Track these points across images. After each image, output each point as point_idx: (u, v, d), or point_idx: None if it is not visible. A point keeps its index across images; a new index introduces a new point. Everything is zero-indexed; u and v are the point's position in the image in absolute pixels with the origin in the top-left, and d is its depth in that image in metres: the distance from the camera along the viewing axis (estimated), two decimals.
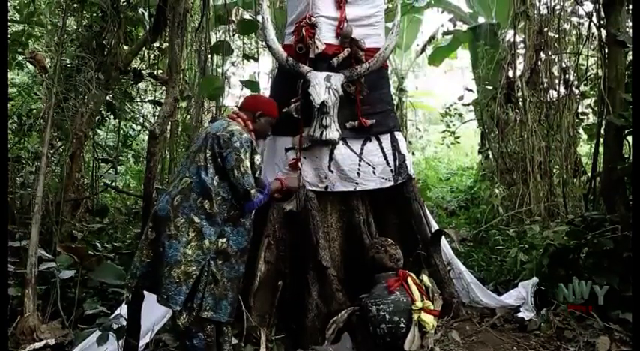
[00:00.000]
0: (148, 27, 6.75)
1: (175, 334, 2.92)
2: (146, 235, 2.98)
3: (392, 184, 4.23)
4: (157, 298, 2.87)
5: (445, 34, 10.68)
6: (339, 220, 4.18)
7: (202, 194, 2.88)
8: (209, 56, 7.08)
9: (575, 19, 6.93)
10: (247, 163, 2.89)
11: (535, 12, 6.79)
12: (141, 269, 2.94)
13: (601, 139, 5.69)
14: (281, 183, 3.39)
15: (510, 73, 7.09)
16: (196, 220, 2.84)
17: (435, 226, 4.46)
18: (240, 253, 2.96)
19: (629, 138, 4.31)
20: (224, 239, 2.88)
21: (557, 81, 6.74)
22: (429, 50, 11.57)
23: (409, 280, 3.60)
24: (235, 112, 3.21)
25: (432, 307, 3.54)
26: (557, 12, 6.65)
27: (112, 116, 7.20)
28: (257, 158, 2.97)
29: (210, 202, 2.86)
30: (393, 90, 8.73)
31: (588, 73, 6.69)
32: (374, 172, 4.17)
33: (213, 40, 7.16)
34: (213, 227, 2.86)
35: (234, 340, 3.22)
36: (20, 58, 6.21)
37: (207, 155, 2.92)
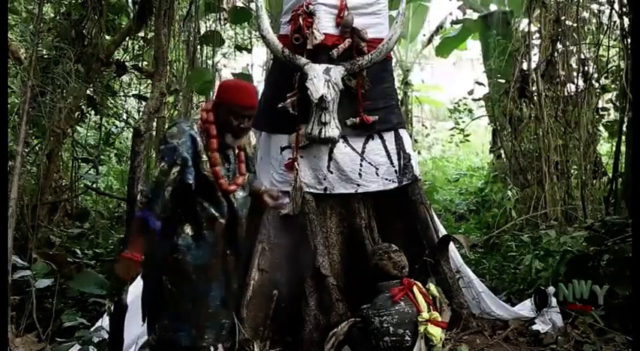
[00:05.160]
0: (131, 15, 6.75)
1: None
2: None
3: (396, 185, 4.24)
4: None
5: (454, 23, 10.70)
6: (339, 225, 4.19)
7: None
8: (198, 47, 7.08)
9: (595, 7, 6.95)
10: (157, 172, 2.68)
11: None
12: None
13: (623, 137, 5.72)
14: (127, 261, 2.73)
15: (524, 66, 7.09)
16: (149, 234, 2.70)
17: (442, 231, 4.47)
18: (202, 271, 2.78)
19: None
20: (180, 255, 2.74)
21: (575, 74, 6.75)
22: (437, 41, 11.58)
23: (415, 289, 3.61)
24: (207, 102, 3.07)
25: (439, 319, 3.54)
26: None
27: (92, 112, 7.18)
28: (175, 170, 2.66)
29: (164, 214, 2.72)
30: (397, 84, 8.74)
31: (609, 66, 6.70)
32: (377, 173, 4.18)
33: (202, 30, 7.16)
34: (165, 241, 2.75)
35: None
36: None
37: None
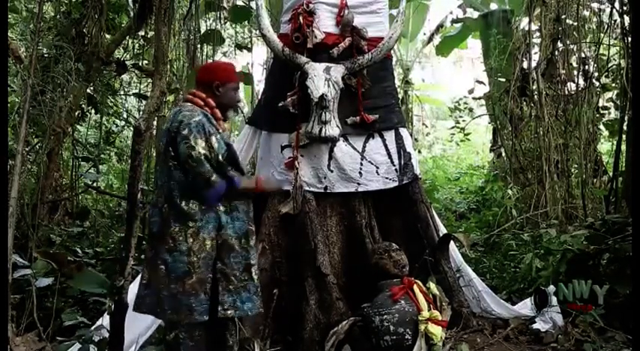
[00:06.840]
0: (132, 14, 6.75)
1: (165, 346, 2.92)
2: (146, 255, 2.99)
3: (396, 184, 4.24)
4: (168, 316, 2.83)
5: (454, 21, 10.68)
6: (339, 224, 4.19)
7: (187, 195, 2.85)
8: (198, 46, 7.08)
9: (595, 5, 6.95)
10: (200, 148, 2.78)
11: None
12: (141, 292, 2.93)
13: (624, 136, 5.71)
14: (256, 182, 3.16)
15: (525, 65, 7.10)
16: (190, 224, 2.82)
17: (442, 230, 4.47)
18: (244, 239, 2.95)
19: None
20: (223, 231, 2.88)
21: (575, 73, 6.75)
22: (437, 40, 11.56)
23: (415, 288, 3.61)
24: (191, 93, 3.07)
25: (439, 318, 3.54)
26: None
27: (93, 111, 7.19)
28: (214, 140, 2.83)
29: (197, 200, 2.84)
30: (397, 83, 8.73)
31: (610, 64, 6.70)
32: (377, 172, 4.18)
33: (202, 29, 7.15)
34: (209, 224, 2.85)
35: None
36: None
37: (171, 153, 2.86)
